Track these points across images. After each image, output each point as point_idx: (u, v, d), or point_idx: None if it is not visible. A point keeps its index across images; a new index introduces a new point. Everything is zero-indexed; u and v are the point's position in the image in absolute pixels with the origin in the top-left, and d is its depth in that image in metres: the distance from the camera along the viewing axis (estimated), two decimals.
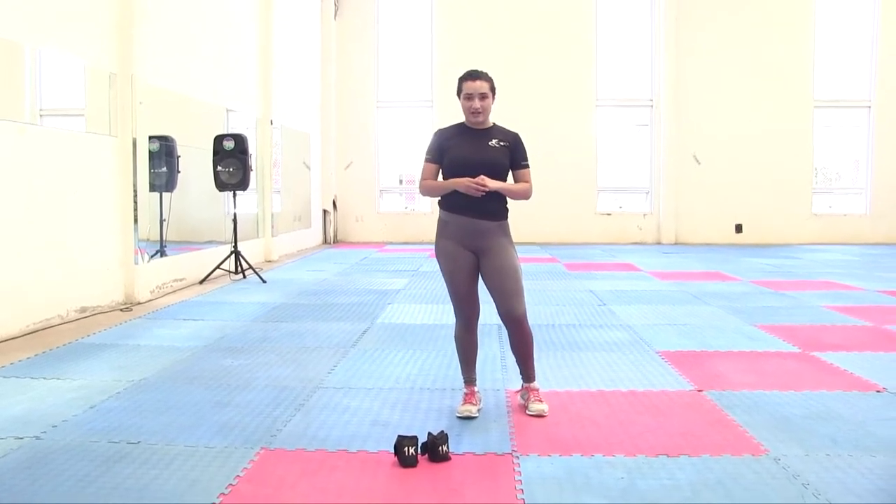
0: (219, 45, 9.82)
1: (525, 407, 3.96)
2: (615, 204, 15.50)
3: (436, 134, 4.00)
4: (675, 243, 14.89)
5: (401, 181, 16.09)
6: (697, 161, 14.99)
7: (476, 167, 3.78)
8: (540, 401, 3.94)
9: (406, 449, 3.15)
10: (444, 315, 6.81)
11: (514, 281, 3.86)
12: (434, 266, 10.82)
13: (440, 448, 3.20)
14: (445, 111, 14.70)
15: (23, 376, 4.61)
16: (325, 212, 14.98)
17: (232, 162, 8.93)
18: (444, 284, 4.00)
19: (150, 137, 7.96)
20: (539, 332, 5.21)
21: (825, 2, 15.08)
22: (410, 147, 15.67)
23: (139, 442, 3.45)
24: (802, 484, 2.97)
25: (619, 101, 15.40)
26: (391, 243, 14.89)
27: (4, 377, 4.60)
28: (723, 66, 14.89)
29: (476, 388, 4.03)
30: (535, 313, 6.60)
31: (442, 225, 3.95)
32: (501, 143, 3.88)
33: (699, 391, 4.33)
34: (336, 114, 15.08)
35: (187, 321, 6.53)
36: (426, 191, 4.00)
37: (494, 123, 3.98)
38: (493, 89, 3.90)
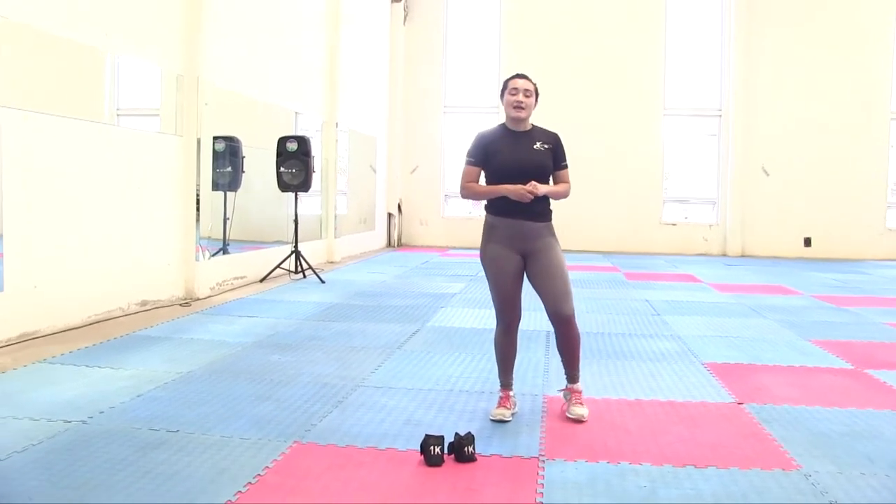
0: (286, 48, 10.09)
1: (566, 408, 3.97)
2: (681, 214, 15.24)
3: (477, 136, 4.03)
4: (742, 255, 14.54)
5: None
6: (766, 173, 14.61)
7: (525, 171, 3.83)
8: (581, 404, 3.96)
9: (432, 448, 3.20)
10: (494, 319, 6.83)
11: (563, 281, 3.89)
12: None
13: (466, 449, 3.24)
14: None
15: (80, 364, 4.85)
16: (389, 215, 15.17)
17: (295, 163, 9.15)
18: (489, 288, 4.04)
19: (216, 138, 8.24)
20: (587, 340, 5.20)
21: None
22: None
23: (178, 430, 3.60)
24: (830, 501, 2.90)
25: (687, 111, 15.15)
26: (454, 248, 14.98)
27: (63, 364, 4.85)
28: (793, 76, 14.48)
29: (512, 393, 4.04)
30: (587, 321, 6.57)
31: (489, 229, 3.99)
32: (545, 146, 3.93)
33: (739, 404, 4.26)
34: (403, 118, 15.28)
35: (242, 318, 6.73)
36: (470, 194, 4.04)
37: (534, 125, 4.02)
38: (536, 92, 3.98)
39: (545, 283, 3.89)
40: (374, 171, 14.25)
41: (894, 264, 13.42)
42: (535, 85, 3.99)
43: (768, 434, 3.71)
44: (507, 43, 15.16)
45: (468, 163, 4.00)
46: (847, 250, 14.34)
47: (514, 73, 4.02)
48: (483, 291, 8.62)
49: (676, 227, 14.97)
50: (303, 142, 9.19)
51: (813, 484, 3.07)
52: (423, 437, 3.32)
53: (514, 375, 4.08)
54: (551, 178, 3.98)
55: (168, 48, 7.28)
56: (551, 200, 3.98)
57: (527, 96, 3.90)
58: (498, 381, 4.10)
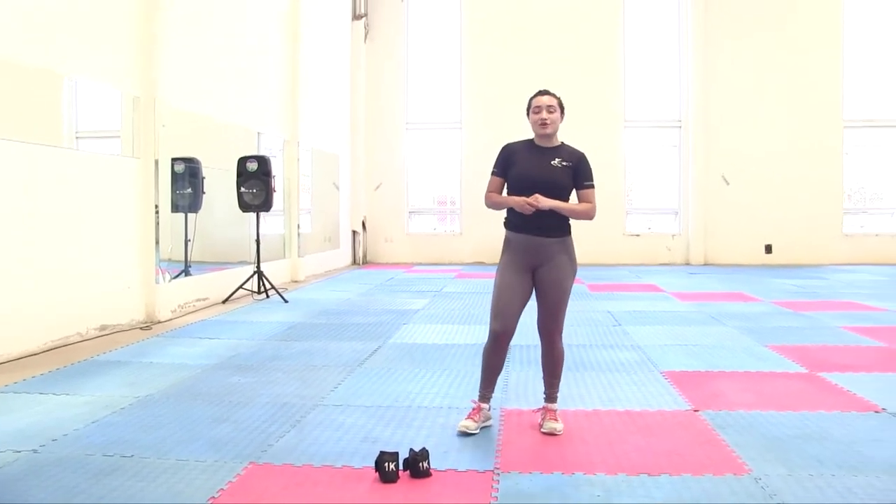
0: (245, 68, 10.07)
1: (541, 424, 3.98)
2: (644, 225, 15.42)
3: (503, 149, 4.11)
4: (705, 264, 14.75)
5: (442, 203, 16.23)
6: (726, 182, 14.86)
7: (536, 185, 3.88)
8: (555, 420, 3.96)
9: (386, 464, 3.21)
10: (456, 335, 6.87)
11: (558, 300, 3.95)
12: (456, 286, 10.95)
13: (420, 464, 3.25)
14: (474, 133, 14.86)
15: (34, 392, 4.77)
16: (354, 233, 15.15)
17: (255, 183, 9.12)
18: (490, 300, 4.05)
19: (176, 159, 8.19)
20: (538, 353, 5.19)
21: (853, 20, 14.92)
22: (440, 168, 15.82)
23: (132, 455, 3.56)
24: (778, 503, 2.96)
25: (647, 122, 15.37)
26: (420, 264, 15.00)
27: (16, 392, 4.76)
28: (751, 86, 14.80)
29: (486, 406, 4.04)
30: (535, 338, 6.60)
31: (506, 243, 4.06)
32: (564, 164, 3.95)
33: (695, 411, 4.32)
34: (365, 135, 15.29)
35: (203, 340, 6.67)
36: (490, 203, 4.12)
37: (563, 143, 4.08)
38: (561, 107, 4.04)
39: (540, 298, 3.98)
40: (338, 188, 14.24)
41: (851, 268, 13.71)
42: (558, 99, 4.04)
43: (722, 440, 3.77)
44: (468, 59, 15.29)
45: (493, 173, 4.09)
46: (807, 256, 14.63)
47: (538, 91, 4.09)
48: (447, 307, 8.70)
49: (640, 238, 15.15)
50: (263, 161, 9.17)
51: (763, 487, 3.13)
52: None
53: (493, 391, 4.09)
54: (575, 198, 4.03)
55: (124, 70, 7.23)
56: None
57: (550, 112, 3.97)
58: (470, 393, 4.13)
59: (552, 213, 3.89)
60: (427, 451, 3.31)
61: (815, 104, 14.75)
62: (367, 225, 15.46)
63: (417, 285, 11.14)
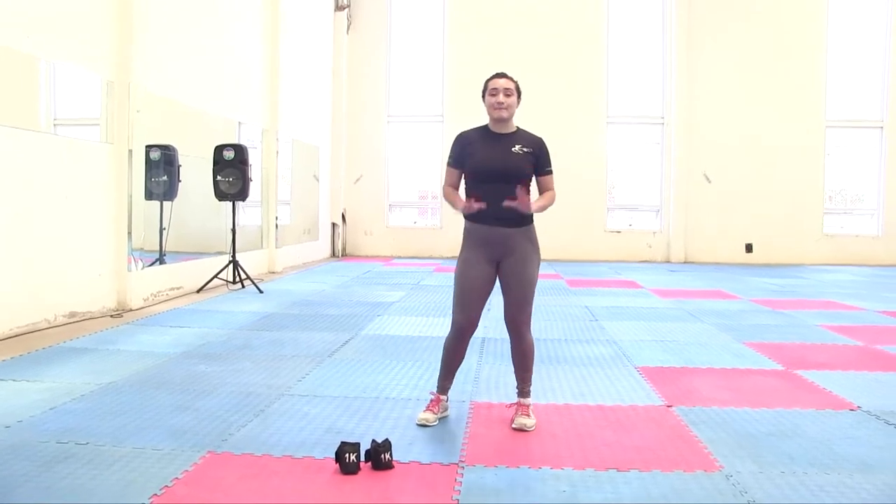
0: (224, 56, 9.92)
1: (512, 419, 3.85)
2: (625, 222, 15.39)
3: (457, 138, 3.94)
4: (685, 262, 14.75)
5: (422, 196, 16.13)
6: (708, 180, 14.86)
7: (497, 174, 3.74)
8: (527, 415, 3.85)
9: (347, 455, 3.11)
10: (430, 328, 6.78)
11: (523, 290, 3.81)
12: (433, 280, 10.86)
13: (382, 456, 3.15)
14: (456, 127, 14.67)
15: None
16: (333, 225, 15.02)
17: (231, 172, 8.98)
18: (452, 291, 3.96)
19: (151, 146, 8.03)
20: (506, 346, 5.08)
21: (837, 21, 14.98)
22: (421, 161, 15.72)
23: (87, 443, 3.43)
24: (748, 501, 2.88)
25: (630, 119, 15.33)
26: (399, 257, 14.90)
27: None
28: (734, 84, 14.81)
29: (445, 398, 3.96)
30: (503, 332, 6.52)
31: (465, 234, 3.90)
32: (525, 150, 3.81)
33: (668, 407, 4.24)
34: (346, 127, 15.17)
35: (173, 328, 6.54)
36: (445, 197, 3.99)
37: (518, 128, 3.91)
38: (518, 91, 3.87)
39: (508, 289, 3.83)
40: (318, 180, 14.10)
41: (831, 268, 13.75)
42: (516, 83, 3.87)
43: (694, 436, 3.70)
44: (451, 52, 15.19)
45: (448, 164, 3.94)
46: (787, 256, 14.66)
47: (494, 73, 3.91)
48: (423, 300, 8.60)
49: (621, 235, 15.12)
50: (239, 150, 9.03)
51: (733, 484, 3.06)
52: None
53: (453, 382, 4.00)
54: (536, 184, 3.90)
55: (97, 53, 7.07)
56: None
57: (507, 96, 3.79)
58: (434, 385, 4.03)
59: (514, 192, 3.74)
60: (389, 442, 3.22)
61: (798, 104, 14.79)
62: (346, 217, 15.34)
63: (395, 278, 11.03)
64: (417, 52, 15.61)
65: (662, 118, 15.11)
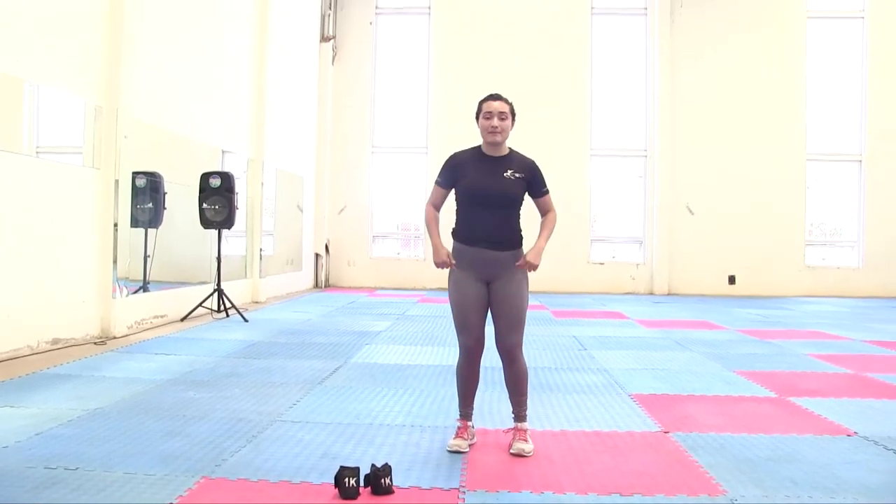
0: (212, 84, 9.92)
1: (510, 444, 3.80)
2: (608, 253, 15.44)
3: (450, 158, 3.91)
4: (668, 294, 14.79)
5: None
6: (691, 212, 14.99)
7: (488, 198, 3.74)
8: (525, 440, 3.80)
9: (346, 480, 3.04)
10: (419, 356, 6.73)
11: (514, 312, 3.80)
12: (419, 310, 10.80)
13: (382, 480, 3.09)
14: (440, 158, 14.73)
15: None
16: (317, 255, 14.94)
17: (218, 200, 8.91)
18: (451, 316, 3.93)
19: (137, 173, 7.97)
20: (498, 374, 5.03)
21: (816, 56, 15.27)
22: (405, 193, 15.74)
23: (77, 469, 3.34)
24: None
25: (613, 151, 15.46)
26: (382, 288, 14.82)
27: None
28: (716, 118, 15.00)
29: (471, 424, 3.92)
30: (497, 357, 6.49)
31: (455, 255, 3.87)
32: (517, 175, 3.78)
33: (665, 433, 4.21)
34: (331, 158, 15.15)
35: (159, 355, 6.43)
36: (426, 217, 3.98)
37: (511, 150, 3.88)
38: (513, 114, 3.84)
39: (499, 312, 3.81)
40: (302, 210, 14.05)
41: (814, 300, 13.85)
42: (510, 105, 3.85)
43: (694, 461, 3.66)
44: (435, 84, 15.29)
45: (436, 182, 3.92)
46: (769, 287, 14.75)
47: (488, 94, 3.88)
48: (410, 329, 8.54)
49: (604, 266, 15.16)
50: (226, 178, 8.98)
51: None
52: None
53: (474, 406, 3.97)
54: (536, 207, 3.93)
55: (86, 78, 7.04)
56: (521, 226, 3.88)
57: (502, 119, 3.76)
58: (452, 412, 4.08)
59: (505, 225, 3.78)
60: (389, 466, 3.16)
61: (779, 137, 15.00)
62: (330, 248, 15.27)
63: (380, 308, 10.97)
64: (402, 83, 15.70)
65: (645, 151, 15.26)
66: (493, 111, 3.78)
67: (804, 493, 3.23)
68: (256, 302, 11.22)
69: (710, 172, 14.95)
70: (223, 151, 10.43)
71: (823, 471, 3.54)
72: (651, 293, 14.87)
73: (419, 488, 3.20)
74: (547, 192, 3.91)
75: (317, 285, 14.91)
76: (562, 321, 9.78)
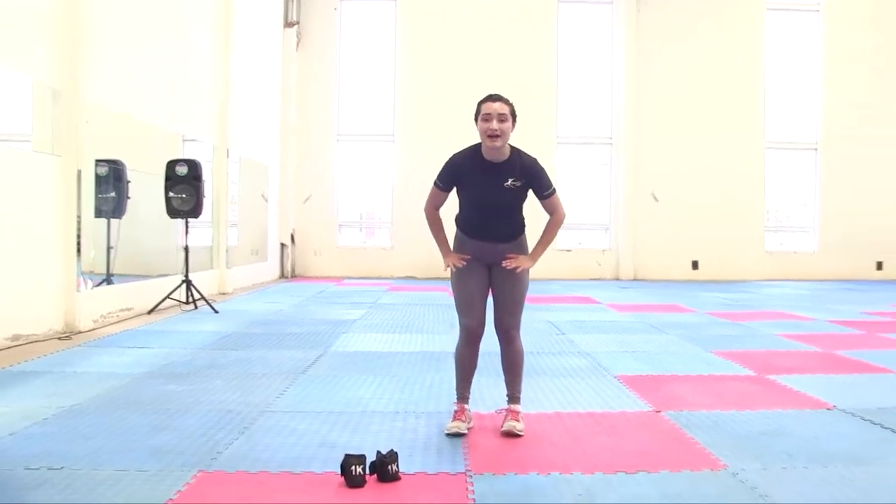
0: (175, 70, 9.66)
1: (501, 424, 3.80)
2: (575, 240, 15.53)
3: (451, 162, 3.81)
4: (634, 279, 14.95)
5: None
6: (655, 199, 15.14)
7: (491, 209, 3.75)
8: (517, 420, 3.79)
9: (353, 468, 2.98)
10: (399, 343, 6.68)
11: (518, 294, 3.86)
12: (390, 298, 10.73)
13: (389, 467, 3.04)
14: (407, 146, 14.73)
15: None
16: (282, 245, 14.74)
17: (185, 188, 8.69)
18: (453, 298, 3.96)
19: (99, 161, 7.74)
20: (493, 359, 5.00)
21: (774, 47, 15.53)
22: (371, 181, 15.61)
23: (62, 468, 3.21)
24: (761, 495, 2.92)
25: (579, 139, 15.53)
26: (349, 278, 14.69)
27: None
28: (681, 107, 15.16)
29: (468, 407, 3.90)
30: (492, 342, 6.46)
31: (459, 243, 3.89)
32: (516, 183, 3.71)
33: (657, 412, 4.24)
34: (296, 146, 14.92)
35: (131, 349, 6.26)
36: (428, 220, 3.93)
37: (512, 150, 3.76)
38: (513, 114, 3.70)
39: (500, 293, 3.85)
40: (266, 200, 13.84)
41: (774, 283, 14.14)
42: (511, 106, 3.71)
43: (691, 438, 3.70)
44: (401, 71, 15.15)
45: (435, 185, 3.85)
46: (731, 272, 15.01)
47: (488, 95, 3.74)
48: (385, 317, 8.49)
49: (571, 253, 15.23)
50: (193, 165, 8.76)
51: (742, 481, 3.07)
52: (341, 458, 3.09)
53: (471, 389, 3.97)
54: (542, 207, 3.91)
55: (44, 61, 6.77)
56: (524, 215, 3.87)
57: (501, 121, 3.62)
58: (451, 396, 4.01)
59: (506, 220, 3.80)
60: (396, 453, 3.11)
61: (740, 125, 15.25)
62: (295, 238, 15.07)
63: (351, 297, 10.86)
64: (368, 70, 15.52)
65: (611, 139, 15.36)
66: (493, 113, 3.64)
67: (800, 464, 3.32)
68: (224, 293, 11.02)
69: (675, 160, 15.12)
70: (184, 139, 10.18)
71: (812, 443, 3.64)
72: (617, 278, 15.01)
73: (426, 473, 3.16)
74: (551, 193, 3.83)
75: (283, 276, 14.72)
76: (535, 307, 9.78)
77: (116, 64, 8.00)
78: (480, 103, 3.74)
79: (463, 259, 3.82)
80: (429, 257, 13.99)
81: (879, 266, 15.39)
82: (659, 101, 15.14)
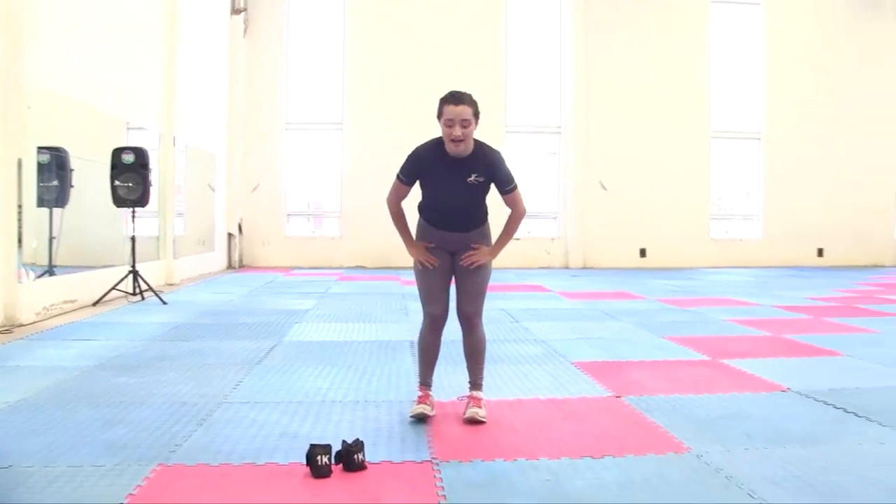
0: (121, 55, 9.36)
1: (463, 412, 3.80)
2: (523, 228, 15.57)
3: (414, 155, 3.75)
4: (583, 267, 15.10)
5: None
6: (604, 187, 15.31)
7: (453, 204, 3.76)
8: (479, 406, 3.78)
9: (319, 458, 2.94)
10: (356, 333, 6.62)
11: (480, 283, 3.88)
12: (341, 288, 10.64)
13: (355, 456, 3.00)
14: (355, 134, 14.59)
15: None
16: (229, 235, 14.48)
17: (131, 176, 8.45)
18: (417, 286, 3.96)
19: (41, 148, 7.47)
20: (451, 348, 4.99)
21: (718, 38, 15.83)
22: (319, 170, 15.43)
23: (10, 466, 3.07)
24: (725, 477, 2.96)
25: (528, 128, 15.59)
26: (298, 268, 14.51)
27: None
28: (627, 95, 15.32)
29: (430, 393, 3.89)
30: (448, 330, 6.45)
31: (421, 231, 3.89)
32: (479, 179, 3.69)
33: (617, 397, 4.28)
34: (243, 134, 14.64)
35: (77, 341, 6.06)
36: (391, 213, 3.88)
37: (476, 144, 3.71)
38: (476, 115, 3.63)
39: (460, 281, 3.87)
40: (213, 189, 13.57)
41: (720, 270, 14.45)
42: (474, 107, 3.63)
43: (652, 422, 3.74)
44: (350, 59, 14.98)
45: (398, 178, 3.80)
46: (678, 259, 15.29)
47: (451, 94, 3.64)
48: (338, 307, 8.41)
49: (520, 242, 15.28)
50: (140, 153, 8.53)
51: (706, 463, 3.11)
52: (305, 448, 3.04)
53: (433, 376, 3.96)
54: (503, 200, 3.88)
55: None
56: (487, 205, 3.86)
57: (464, 127, 3.56)
58: (409, 384, 4.16)
59: (469, 212, 3.81)
60: (362, 442, 3.07)
61: (685, 115, 15.50)
62: (243, 228, 14.82)
63: (300, 287, 10.73)
64: (316, 58, 15.30)
65: (559, 128, 15.46)
66: (455, 119, 3.56)
67: (760, 445, 3.38)
68: (171, 284, 10.78)
69: (623, 149, 15.29)
70: (129, 127, 9.90)
71: (770, 424, 3.72)
72: (566, 267, 15.15)
73: (391, 462, 3.12)
74: (512, 189, 3.80)
75: (230, 266, 14.46)
76: (489, 295, 9.79)
77: (59, 48, 7.71)
78: (443, 103, 3.63)
79: (429, 255, 3.82)
80: (379, 248, 13.96)
81: (820, 253, 15.88)
82: (607, 91, 15.29)
